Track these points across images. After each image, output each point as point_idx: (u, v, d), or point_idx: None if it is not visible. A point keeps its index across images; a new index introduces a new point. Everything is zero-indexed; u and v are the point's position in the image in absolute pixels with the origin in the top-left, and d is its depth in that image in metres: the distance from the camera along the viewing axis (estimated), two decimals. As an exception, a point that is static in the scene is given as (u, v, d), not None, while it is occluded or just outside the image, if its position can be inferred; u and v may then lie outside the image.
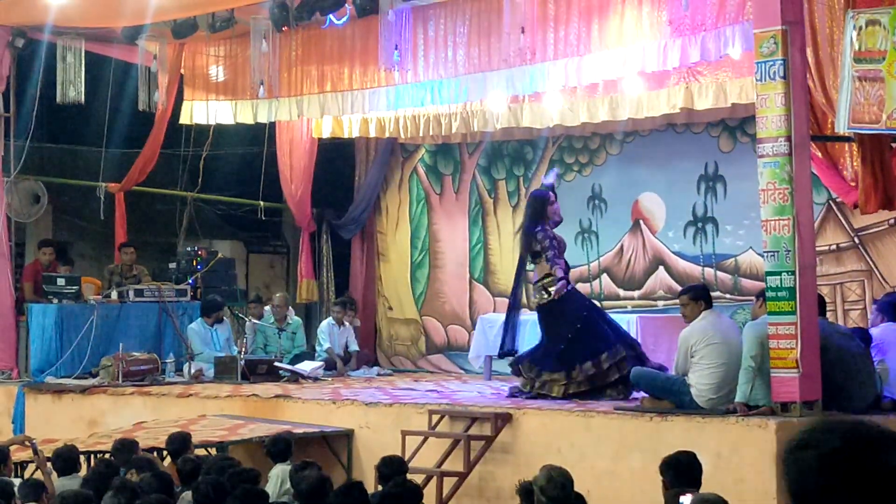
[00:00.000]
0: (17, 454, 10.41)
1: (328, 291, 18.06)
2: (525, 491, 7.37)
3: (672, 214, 15.31)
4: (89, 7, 14.56)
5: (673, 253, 15.26)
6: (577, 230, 15.99)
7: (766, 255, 9.90)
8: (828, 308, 12.08)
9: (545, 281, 12.32)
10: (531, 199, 12.90)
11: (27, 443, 10.26)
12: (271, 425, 12.03)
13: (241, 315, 16.09)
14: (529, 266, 12.85)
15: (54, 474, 9.26)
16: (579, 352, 12.14)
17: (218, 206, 18.63)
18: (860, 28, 10.00)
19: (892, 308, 11.09)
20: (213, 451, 11.02)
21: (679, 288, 13.17)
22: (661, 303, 15.26)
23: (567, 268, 12.59)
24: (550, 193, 12.68)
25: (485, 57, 13.63)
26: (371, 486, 9.48)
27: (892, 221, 13.21)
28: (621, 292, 15.70)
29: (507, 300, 16.37)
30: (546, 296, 12.28)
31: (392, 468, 8.54)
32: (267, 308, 16.29)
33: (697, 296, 10.78)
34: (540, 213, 12.52)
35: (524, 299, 13.93)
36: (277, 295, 16.57)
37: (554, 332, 12.34)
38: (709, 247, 14.98)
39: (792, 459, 2.66)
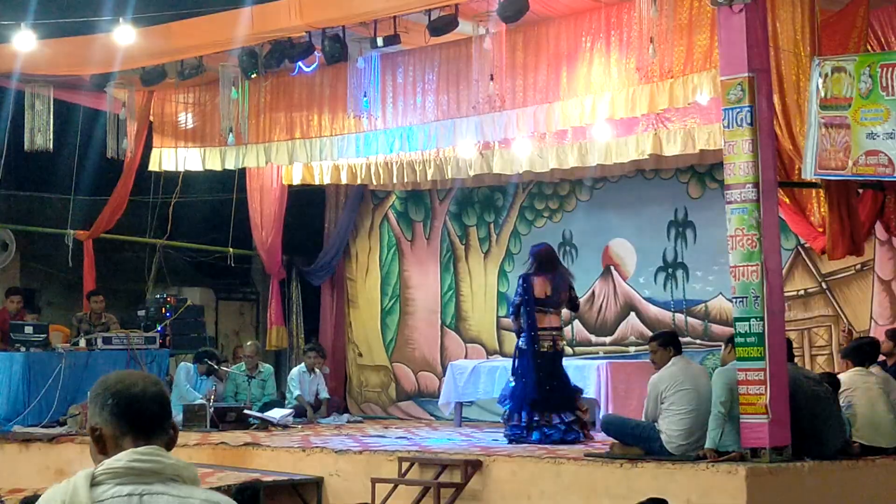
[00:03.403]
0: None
1: (298, 338, 18.01)
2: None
3: (642, 260, 15.35)
4: (57, 55, 14.56)
5: (644, 299, 15.29)
6: (548, 276, 15.99)
7: (734, 300, 9.92)
8: (795, 353, 12.11)
9: (549, 333, 12.62)
10: (548, 250, 13.08)
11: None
12: (240, 473, 11.94)
13: (210, 363, 15.99)
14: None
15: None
16: (552, 402, 12.40)
17: (187, 253, 18.57)
18: (826, 75, 10.08)
19: (859, 353, 11.12)
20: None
21: (650, 333, 13.18)
22: (632, 349, 15.27)
23: None
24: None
25: (454, 104, 13.67)
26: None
27: (858, 267, 13.29)
28: (593, 338, 15.71)
29: (478, 346, 16.47)
30: (552, 345, 12.59)
31: None
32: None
33: (666, 342, 10.78)
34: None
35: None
36: (248, 344, 16.51)
37: (549, 379, 12.53)
38: (679, 292, 15.02)
39: None
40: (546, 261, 12.88)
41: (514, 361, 12.81)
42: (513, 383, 12.70)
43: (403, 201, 17.62)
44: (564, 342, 13.01)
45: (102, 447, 3.23)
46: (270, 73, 14.70)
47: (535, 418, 12.45)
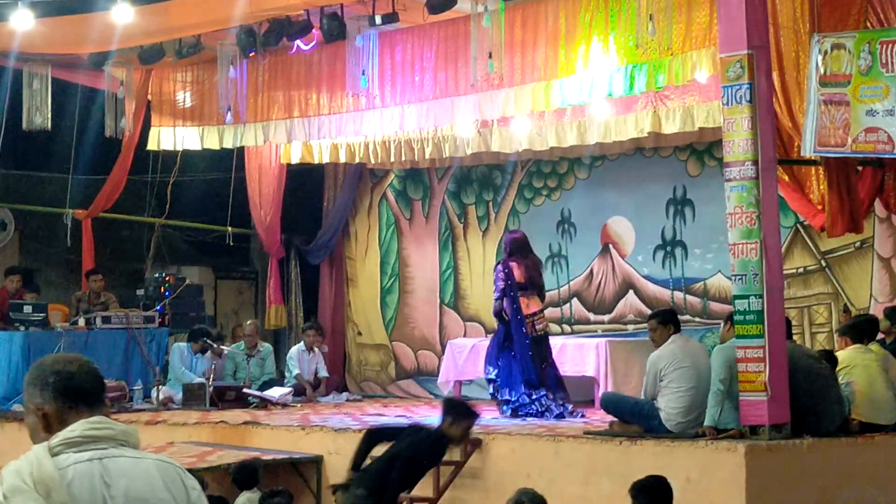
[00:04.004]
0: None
1: (297, 317, 18.00)
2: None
3: (641, 238, 15.34)
4: (55, 33, 14.52)
5: (642, 276, 15.28)
6: (547, 254, 16.00)
7: (733, 278, 9.91)
8: (794, 331, 12.11)
9: (537, 316, 13.09)
10: (524, 237, 13.47)
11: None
12: (240, 452, 11.96)
13: (209, 342, 16.00)
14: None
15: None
16: (548, 383, 12.84)
17: (186, 232, 18.56)
18: (825, 52, 10.06)
19: (857, 330, 11.12)
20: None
21: (649, 311, 13.19)
22: (631, 326, 15.28)
23: None
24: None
25: (452, 82, 13.64)
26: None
27: (858, 244, 13.28)
28: (591, 316, 15.71)
29: (477, 325, 16.48)
30: (542, 327, 13.11)
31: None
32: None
33: (666, 320, 10.77)
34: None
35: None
36: (248, 323, 16.49)
37: (540, 361, 12.90)
38: (678, 270, 15.01)
39: None
40: (522, 247, 13.27)
41: (501, 338, 13.07)
42: (499, 354, 13.03)
43: (402, 180, 17.61)
44: (547, 324, 13.43)
45: (47, 425, 3.48)
46: (268, 52, 14.67)
47: (533, 396, 12.65)
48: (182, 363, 15.26)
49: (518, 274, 12.99)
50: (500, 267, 13.13)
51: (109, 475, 3.37)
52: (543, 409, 12.59)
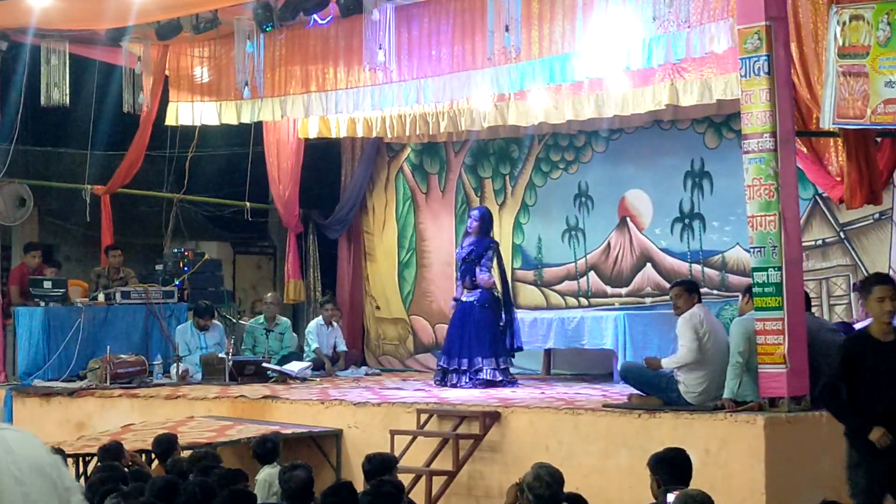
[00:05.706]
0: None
1: (315, 292, 18.04)
2: (522, 491, 7.36)
3: (659, 211, 15.30)
4: (73, 9, 14.53)
5: (660, 249, 15.25)
6: (564, 228, 16.00)
7: (752, 250, 9.91)
8: (813, 303, 12.09)
9: None
10: (490, 214, 14.49)
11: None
12: (260, 426, 12.01)
13: (228, 316, 16.05)
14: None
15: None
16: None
17: (204, 207, 18.59)
18: (844, 23, 10.00)
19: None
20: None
21: (667, 285, 13.17)
22: (648, 300, 15.26)
23: None
24: None
25: (469, 56, 13.63)
26: (360, 485, 9.47)
27: (877, 216, 13.23)
28: (608, 289, 15.69)
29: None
30: None
31: (374, 465, 8.50)
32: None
33: (691, 288, 10.77)
34: None
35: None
36: (269, 294, 16.56)
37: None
38: (696, 243, 14.98)
39: None
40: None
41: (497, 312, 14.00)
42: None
43: (418, 154, 17.60)
44: None
45: None
46: (285, 26, 14.66)
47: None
48: (188, 345, 15.26)
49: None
50: (495, 244, 14.14)
51: (7, 444, 3.60)
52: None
